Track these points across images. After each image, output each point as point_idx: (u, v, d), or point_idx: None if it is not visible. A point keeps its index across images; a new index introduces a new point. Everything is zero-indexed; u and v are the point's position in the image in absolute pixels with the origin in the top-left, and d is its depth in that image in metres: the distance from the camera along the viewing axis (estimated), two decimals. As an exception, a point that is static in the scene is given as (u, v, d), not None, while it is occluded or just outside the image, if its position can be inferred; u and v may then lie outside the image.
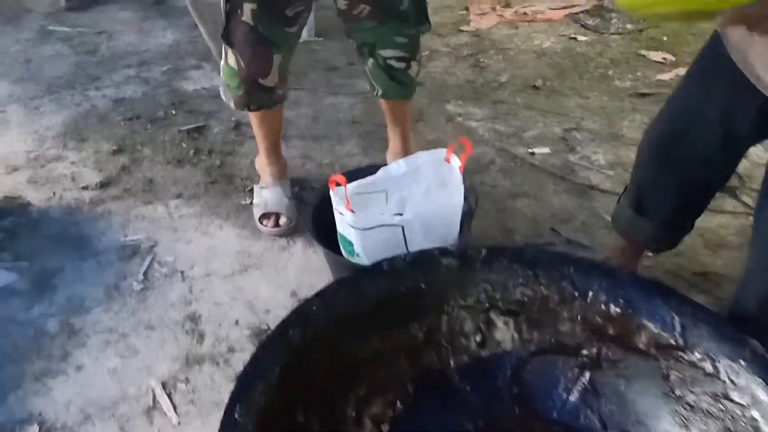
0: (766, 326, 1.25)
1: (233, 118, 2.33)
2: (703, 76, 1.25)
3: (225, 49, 1.61)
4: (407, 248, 1.39)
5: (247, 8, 1.50)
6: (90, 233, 1.82)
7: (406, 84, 1.74)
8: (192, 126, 2.30)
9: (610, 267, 1.18)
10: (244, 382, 0.97)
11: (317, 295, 1.12)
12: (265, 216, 1.81)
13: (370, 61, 1.70)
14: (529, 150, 2.10)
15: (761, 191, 1.15)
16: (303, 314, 1.09)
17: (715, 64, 1.18)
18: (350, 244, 1.40)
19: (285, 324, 1.06)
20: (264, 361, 1.01)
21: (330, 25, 2.92)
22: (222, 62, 1.66)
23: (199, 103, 2.46)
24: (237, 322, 1.54)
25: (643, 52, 2.72)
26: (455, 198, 1.38)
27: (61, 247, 1.76)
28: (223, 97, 1.76)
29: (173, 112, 2.40)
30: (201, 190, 1.99)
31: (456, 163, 1.40)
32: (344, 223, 1.38)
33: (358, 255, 1.40)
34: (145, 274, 1.68)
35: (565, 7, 3.05)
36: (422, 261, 1.19)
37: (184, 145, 2.21)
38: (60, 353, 1.46)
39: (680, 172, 1.31)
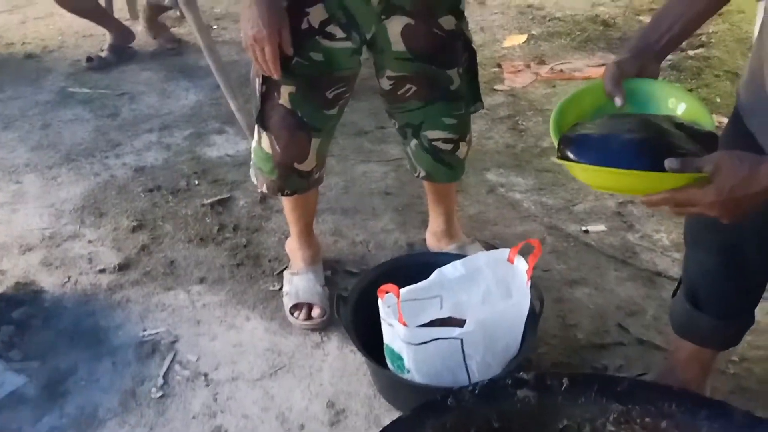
0: None
1: (260, 190, 2.17)
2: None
3: (259, 131, 1.48)
4: (465, 363, 1.21)
5: (285, 91, 1.37)
6: (106, 325, 1.67)
7: (452, 166, 1.59)
8: (216, 198, 2.16)
9: (721, 405, 0.99)
10: None
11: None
12: (296, 307, 1.65)
13: (413, 142, 1.56)
14: (583, 227, 1.92)
15: None
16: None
17: (736, 141, 1.04)
18: (399, 358, 1.23)
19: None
20: None
21: (358, 85, 2.80)
22: (254, 144, 1.53)
23: (223, 172, 2.32)
24: (268, 439, 1.36)
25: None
26: (521, 306, 1.21)
27: (74, 344, 1.61)
28: (253, 179, 1.63)
29: (196, 182, 2.27)
30: (226, 273, 1.84)
31: (522, 265, 1.23)
32: (394, 335, 1.21)
33: (408, 371, 1.23)
34: (165, 376, 1.51)
35: (603, 65, 2.90)
36: (493, 393, 1.02)
37: (207, 220, 2.07)
38: (69, 480, 1.29)
39: (720, 251, 1.15)
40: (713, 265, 1.18)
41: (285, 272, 1.76)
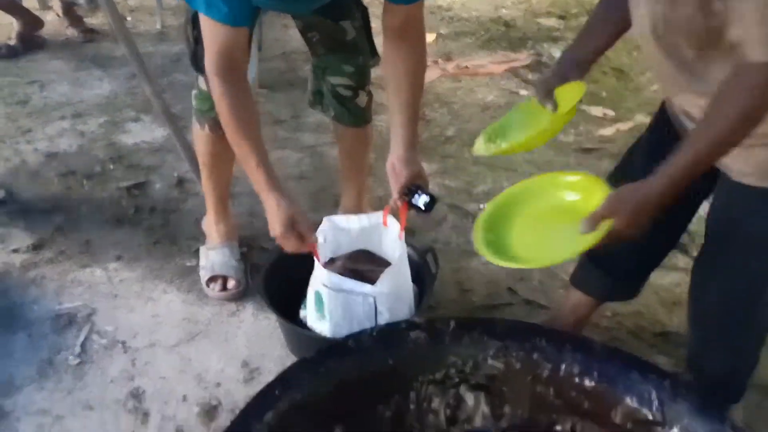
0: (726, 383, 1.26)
1: (176, 174, 2.24)
2: (652, 135, 1.29)
3: (196, 76, 1.56)
4: (376, 319, 1.33)
5: None
6: (21, 302, 1.69)
7: (354, 112, 1.74)
8: (132, 182, 2.19)
9: (583, 339, 1.16)
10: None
11: (279, 379, 1.05)
12: (212, 279, 1.73)
13: (323, 85, 1.72)
14: (480, 206, 2.10)
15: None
16: (264, 402, 1.01)
17: (663, 126, 1.23)
18: (321, 301, 1.34)
19: (245, 414, 0.99)
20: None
21: (275, 77, 2.89)
22: (194, 91, 1.61)
23: (139, 158, 2.35)
24: (185, 397, 1.44)
25: (584, 107, 2.80)
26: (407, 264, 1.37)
27: (-13, 319, 1.62)
28: (197, 126, 1.67)
29: (111, 167, 2.29)
30: (143, 251, 1.89)
31: (394, 225, 1.41)
32: (317, 276, 1.34)
33: (325, 315, 1.34)
34: (82, 346, 1.56)
35: (505, 62, 3.12)
36: (389, 336, 1.15)
37: (123, 203, 2.10)
38: (-15, 442, 1.33)
39: None
40: None
41: (201, 248, 1.83)
